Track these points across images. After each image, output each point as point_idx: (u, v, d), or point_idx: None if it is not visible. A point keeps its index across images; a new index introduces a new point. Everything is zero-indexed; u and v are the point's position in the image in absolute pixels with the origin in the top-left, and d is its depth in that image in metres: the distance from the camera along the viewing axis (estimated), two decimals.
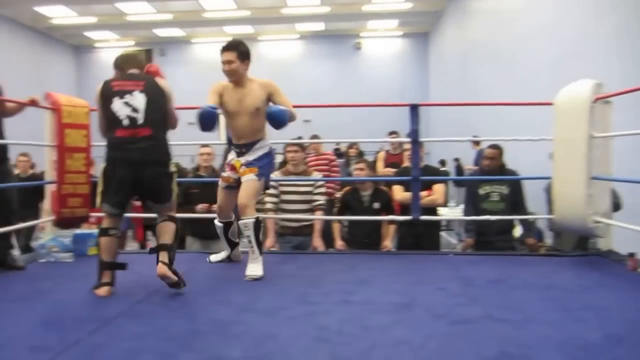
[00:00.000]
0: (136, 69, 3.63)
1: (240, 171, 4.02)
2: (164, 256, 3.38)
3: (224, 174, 4.16)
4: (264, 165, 4.04)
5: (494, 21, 11.71)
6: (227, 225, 4.28)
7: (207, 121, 3.76)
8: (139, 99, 3.41)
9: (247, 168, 3.99)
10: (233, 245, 4.36)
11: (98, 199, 3.53)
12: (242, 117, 4.00)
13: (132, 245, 7.39)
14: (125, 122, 3.38)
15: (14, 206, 4.33)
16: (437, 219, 5.31)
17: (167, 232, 3.54)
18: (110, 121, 3.43)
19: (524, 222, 5.39)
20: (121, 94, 3.42)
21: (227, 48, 3.95)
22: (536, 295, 3.31)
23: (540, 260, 4.49)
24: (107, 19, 18.35)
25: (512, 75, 10.06)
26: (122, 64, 3.66)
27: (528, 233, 5.37)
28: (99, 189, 3.50)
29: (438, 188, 5.33)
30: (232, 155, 4.14)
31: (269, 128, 4.04)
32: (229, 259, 4.39)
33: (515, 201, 5.12)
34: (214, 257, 4.42)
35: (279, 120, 3.85)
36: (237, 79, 3.98)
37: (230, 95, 4.00)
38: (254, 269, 3.77)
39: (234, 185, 4.06)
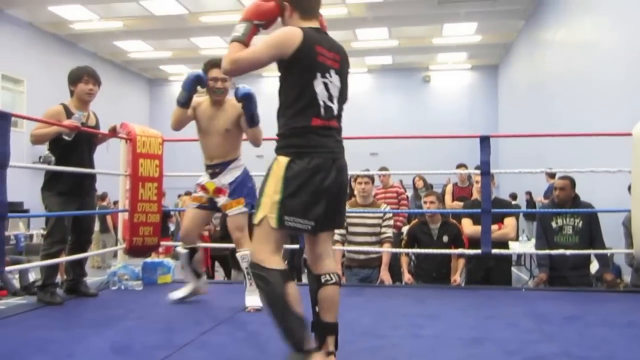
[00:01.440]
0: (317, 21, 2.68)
1: (225, 204, 3.82)
2: (331, 343, 2.53)
3: (196, 194, 3.96)
4: (249, 193, 3.86)
5: (566, 52, 11.47)
6: (192, 253, 3.99)
7: (189, 81, 3.72)
8: (335, 82, 2.53)
9: (232, 200, 3.81)
10: (198, 276, 4.04)
11: (269, 211, 2.38)
12: (213, 137, 3.85)
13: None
14: (322, 110, 2.46)
15: (91, 236, 4.50)
16: (508, 252, 5.14)
17: (336, 303, 2.55)
18: (307, 102, 2.45)
19: (600, 257, 5.15)
20: (323, 69, 2.47)
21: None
22: (617, 332, 3.15)
23: (620, 297, 4.29)
24: (182, 53, 19.04)
25: (587, 106, 9.77)
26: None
27: (605, 269, 5.13)
28: (277, 195, 2.36)
29: (509, 221, 5.18)
30: (204, 177, 3.95)
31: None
32: (193, 294, 4.02)
33: (590, 235, 4.91)
34: (175, 295, 3.99)
35: (249, 96, 3.65)
36: (222, 98, 3.88)
37: (203, 112, 3.88)
38: (255, 300, 3.62)
39: (206, 206, 3.90)
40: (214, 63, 3.77)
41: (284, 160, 2.41)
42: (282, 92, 2.53)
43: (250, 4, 2.55)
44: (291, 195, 2.36)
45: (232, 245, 4.01)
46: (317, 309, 2.53)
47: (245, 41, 2.48)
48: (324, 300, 2.51)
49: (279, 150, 2.48)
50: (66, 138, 4.03)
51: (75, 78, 4.19)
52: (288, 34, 2.47)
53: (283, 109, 2.51)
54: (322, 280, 2.51)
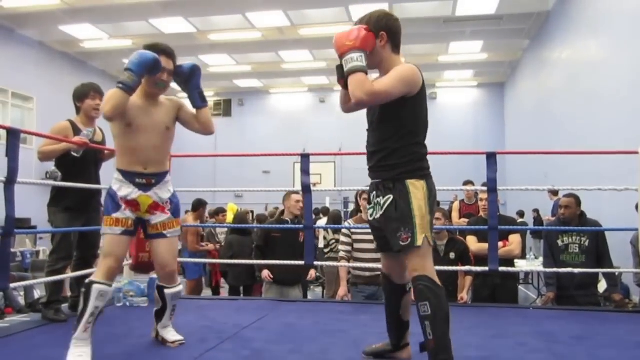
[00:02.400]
0: None
1: (165, 222, 3.20)
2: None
3: (118, 215, 3.03)
4: (178, 212, 3.34)
5: (572, 71, 11.49)
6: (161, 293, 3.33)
7: (147, 63, 2.97)
8: None
9: (173, 219, 3.24)
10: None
11: (427, 231, 2.61)
12: (151, 136, 3.15)
13: (206, 292, 7.49)
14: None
15: (97, 251, 4.48)
16: (515, 270, 5.08)
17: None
18: (424, 131, 2.81)
19: (608, 277, 5.09)
20: None
21: (170, 55, 3.17)
22: (626, 354, 3.11)
23: (628, 318, 4.23)
24: None
25: (592, 124, 9.76)
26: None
27: (613, 288, 5.07)
28: (427, 216, 2.62)
29: (514, 239, 5.13)
30: (129, 189, 3.10)
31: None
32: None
33: (597, 254, 4.86)
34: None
35: (198, 68, 3.28)
36: (162, 93, 3.31)
37: (135, 105, 3.10)
38: (175, 334, 3.29)
39: (132, 230, 3.11)
40: (162, 50, 3.15)
41: (420, 183, 2.64)
42: (403, 121, 2.67)
43: (347, 32, 2.59)
44: (430, 214, 2.62)
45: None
46: (400, 312, 2.91)
47: (366, 71, 2.54)
48: (408, 303, 2.91)
49: (408, 175, 2.64)
50: (74, 154, 4.04)
51: (81, 94, 4.20)
52: (416, 72, 2.69)
53: (406, 136, 2.68)
54: (407, 288, 2.89)
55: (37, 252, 11.66)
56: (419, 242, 2.56)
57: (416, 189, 2.61)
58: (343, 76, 2.63)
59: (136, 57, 2.94)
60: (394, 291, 2.93)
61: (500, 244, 4.93)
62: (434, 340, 2.52)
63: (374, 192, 2.78)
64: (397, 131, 2.67)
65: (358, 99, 2.52)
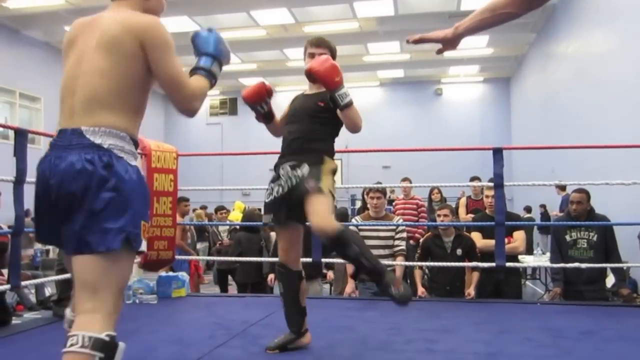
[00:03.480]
0: None
1: None
2: None
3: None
4: None
5: (578, 64, 11.44)
6: None
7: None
8: None
9: None
10: None
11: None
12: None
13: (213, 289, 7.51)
14: None
15: None
16: (522, 266, 5.07)
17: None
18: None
19: (616, 272, 5.07)
20: None
21: None
22: (634, 348, 3.10)
23: (636, 312, 4.23)
24: None
25: (600, 118, 9.71)
26: None
27: (621, 283, 5.05)
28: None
29: (518, 235, 5.13)
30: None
31: None
32: None
33: (605, 249, 4.84)
34: None
35: None
36: None
37: None
38: None
39: None
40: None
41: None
42: (329, 126, 3.15)
43: (331, 67, 2.93)
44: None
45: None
46: (299, 298, 3.12)
47: None
48: (304, 289, 3.18)
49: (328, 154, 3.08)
50: None
51: None
52: None
53: (331, 136, 3.17)
54: (302, 274, 3.20)
55: (47, 251, 11.72)
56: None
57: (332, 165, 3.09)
58: (338, 107, 2.99)
59: (222, 44, 2.38)
60: (291, 278, 3.11)
61: (505, 240, 4.93)
62: (373, 266, 2.71)
63: (289, 166, 3.05)
64: (326, 130, 3.20)
65: (359, 127, 3.04)
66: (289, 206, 3.01)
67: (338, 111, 3.02)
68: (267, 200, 3.09)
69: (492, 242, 4.78)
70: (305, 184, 2.87)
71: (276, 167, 3.13)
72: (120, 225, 1.77)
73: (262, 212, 3.28)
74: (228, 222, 8.44)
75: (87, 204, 1.76)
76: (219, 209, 8.72)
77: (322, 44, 3.21)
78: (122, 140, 1.87)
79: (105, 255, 1.75)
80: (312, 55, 3.17)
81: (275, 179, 3.07)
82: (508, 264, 4.56)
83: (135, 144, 1.98)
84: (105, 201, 1.76)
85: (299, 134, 3.13)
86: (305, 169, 2.95)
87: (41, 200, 1.86)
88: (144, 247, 1.87)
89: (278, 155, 3.22)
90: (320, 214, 2.77)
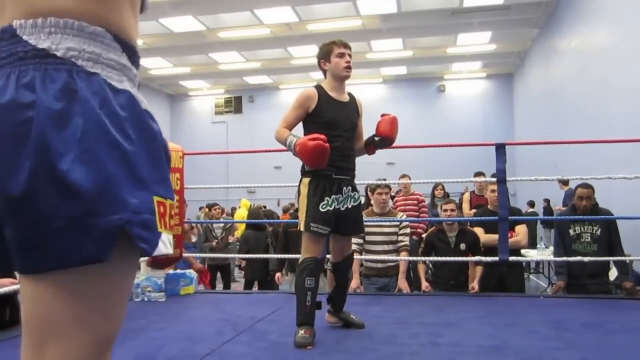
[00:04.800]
0: None
1: None
2: None
3: None
4: None
5: (582, 59, 11.39)
6: None
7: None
8: None
9: None
10: None
11: None
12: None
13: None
14: None
15: None
16: (525, 260, 5.08)
17: None
18: None
19: (620, 265, 5.07)
20: None
21: None
22: (638, 340, 3.10)
23: None
24: (201, 69, 19.23)
25: (603, 113, 9.69)
26: None
27: (625, 276, 5.05)
28: None
29: (520, 229, 5.14)
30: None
31: None
32: None
33: (609, 243, 4.84)
34: None
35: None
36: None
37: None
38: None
39: None
40: None
41: None
42: None
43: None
44: None
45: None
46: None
47: None
48: None
49: None
50: None
51: None
52: None
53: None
54: None
55: None
56: None
57: None
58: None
59: None
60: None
61: (508, 235, 4.93)
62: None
63: (350, 187, 3.35)
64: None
65: None
66: (343, 220, 3.31)
67: (366, 145, 3.47)
68: (323, 210, 3.22)
69: (495, 236, 4.80)
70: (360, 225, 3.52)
71: (333, 179, 3.28)
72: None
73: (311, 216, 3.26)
74: (223, 220, 8.49)
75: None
76: (212, 206, 8.75)
77: (349, 46, 3.38)
78: (95, 41, 0.97)
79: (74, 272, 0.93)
80: (342, 55, 3.32)
81: (336, 192, 3.28)
82: (512, 258, 4.58)
83: (130, 51, 1.05)
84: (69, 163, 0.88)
85: (351, 151, 3.40)
86: (358, 199, 3.39)
87: None
88: (164, 248, 0.97)
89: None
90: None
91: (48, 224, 0.88)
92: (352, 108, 3.42)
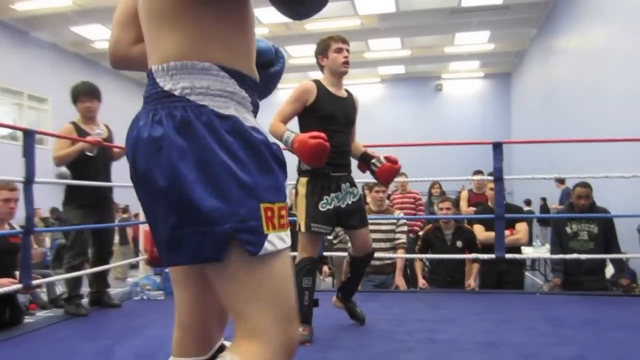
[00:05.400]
0: None
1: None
2: None
3: None
4: None
5: (579, 59, 11.40)
6: None
7: None
8: None
9: None
10: None
11: None
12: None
13: None
14: None
15: (111, 248, 4.54)
16: (521, 257, 5.07)
17: None
18: None
19: (616, 262, 5.08)
20: None
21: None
22: (633, 336, 3.11)
23: (636, 301, 4.23)
24: None
25: (600, 112, 9.69)
26: None
27: (620, 273, 5.05)
28: None
29: (521, 227, 5.14)
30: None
31: None
32: None
33: (606, 241, 4.84)
34: None
35: None
36: None
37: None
38: None
39: None
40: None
41: None
42: None
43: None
44: None
45: None
46: None
47: None
48: None
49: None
50: (89, 154, 4.05)
51: (73, 97, 4.26)
52: None
53: None
54: None
55: (59, 250, 11.74)
56: None
57: None
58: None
59: None
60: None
61: (507, 232, 4.94)
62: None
63: (347, 182, 3.29)
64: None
65: None
66: (345, 215, 3.28)
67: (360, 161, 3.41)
68: (323, 209, 3.17)
69: (493, 234, 4.79)
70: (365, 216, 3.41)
71: (331, 177, 3.22)
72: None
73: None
74: None
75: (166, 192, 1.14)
76: None
77: (347, 41, 3.32)
78: (205, 75, 1.17)
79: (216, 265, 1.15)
80: (339, 50, 3.25)
81: (335, 190, 3.22)
82: (508, 255, 4.57)
83: (238, 76, 1.21)
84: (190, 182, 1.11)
85: (348, 147, 3.33)
86: (357, 193, 3.33)
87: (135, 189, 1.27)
88: (271, 246, 1.13)
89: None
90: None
91: (181, 231, 1.12)
92: (349, 104, 3.35)
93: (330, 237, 8.33)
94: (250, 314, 1.15)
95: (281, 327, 1.15)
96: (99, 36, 15.43)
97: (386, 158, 3.32)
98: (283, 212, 1.18)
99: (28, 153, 3.50)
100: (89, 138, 4.02)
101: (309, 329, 3.12)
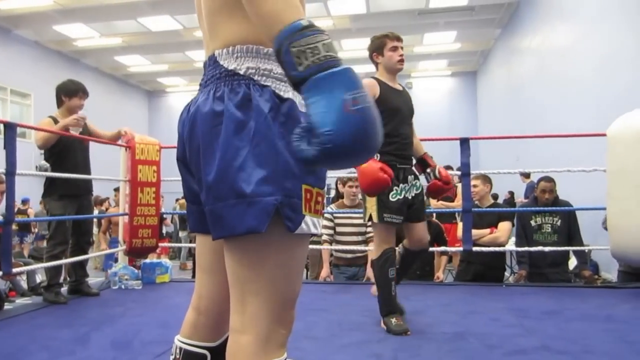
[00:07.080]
0: None
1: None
2: None
3: None
4: None
5: (541, 57, 11.49)
6: None
7: None
8: None
9: None
10: None
11: None
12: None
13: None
14: None
15: (90, 238, 4.51)
16: (489, 250, 5.04)
17: None
18: None
19: (578, 254, 5.10)
20: None
21: None
22: (595, 327, 3.10)
23: (598, 292, 4.24)
24: (178, 66, 18.94)
25: (562, 108, 9.78)
26: None
27: (583, 265, 5.08)
28: None
29: (503, 226, 5.01)
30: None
31: None
32: None
33: (569, 233, 4.86)
34: None
35: None
36: None
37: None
38: None
39: None
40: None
41: None
42: None
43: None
44: None
45: None
46: None
47: None
48: None
49: None
50: (73, 132, 4.09)
51: (70, 91, 4.29)
52: None
53: None
54: None
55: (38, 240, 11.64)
56: None
57: None
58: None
59: None
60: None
61: (487, 230, 4.90)
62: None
63: (412, 175, 3.27)
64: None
65: None
66: (411, 207, 3.23)
67: None
68: (394, 199, 3.11)
69: (478, 231, 4.77)
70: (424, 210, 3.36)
71: (398, 168, 3.16)
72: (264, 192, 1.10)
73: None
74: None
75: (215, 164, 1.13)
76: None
77: (401, 38, 3.44)
78: (268, 60, 1.19)
79: (246, 240, 1.12)
80: (395, 49, 3.37)
81: (402, 181, 3.18)
82: (475, 248, 4.56)
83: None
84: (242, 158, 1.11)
85: (410, 138, 3.31)
86: (420, 186, 3.30)
87: (180, 168, 1.37)
88: (306, 228, 1.12)
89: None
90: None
91: (225, 201, 1.09)
92: (407, 97, 3.39)
93: None
94: (255, 296, 1.14)
95: (278, 315, 1.20)
96: (80, 34, 15.30)
97: (440, 173, 3.33)
98: (319, 199, 1.17)
99: (9, 146, 3.50)
100: (74, 116, 4.08)
101: (400, 318, 3.09)
